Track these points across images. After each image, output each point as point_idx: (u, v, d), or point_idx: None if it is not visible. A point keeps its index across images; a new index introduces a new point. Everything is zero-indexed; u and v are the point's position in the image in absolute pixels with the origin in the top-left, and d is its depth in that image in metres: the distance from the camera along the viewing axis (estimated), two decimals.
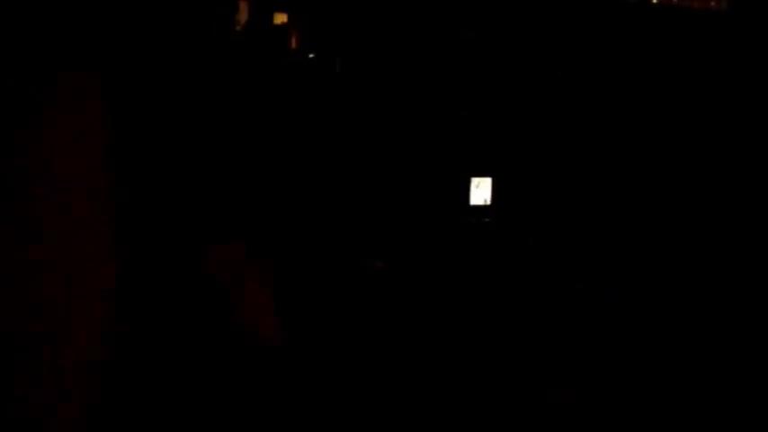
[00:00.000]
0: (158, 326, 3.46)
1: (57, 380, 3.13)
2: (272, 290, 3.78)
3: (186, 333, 3.41)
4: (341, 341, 4.00)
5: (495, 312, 4.60)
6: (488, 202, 5.78)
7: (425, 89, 5.87)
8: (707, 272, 5.22)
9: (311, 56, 5.87)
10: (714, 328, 4.81)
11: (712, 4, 5.99)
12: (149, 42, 4.41)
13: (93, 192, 3.65)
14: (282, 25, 5.95)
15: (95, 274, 3.39)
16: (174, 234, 4.06)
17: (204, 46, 4.91)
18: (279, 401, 3.50)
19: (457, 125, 5.79)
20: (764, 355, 4.45)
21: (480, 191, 5.80)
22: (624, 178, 5.77)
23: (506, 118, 5.97)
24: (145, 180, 4.08)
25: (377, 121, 5.66)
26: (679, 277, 5.25)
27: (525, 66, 5.98)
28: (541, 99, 6.00)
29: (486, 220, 5.65)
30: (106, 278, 3.41)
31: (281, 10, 6.06)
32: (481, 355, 4.25)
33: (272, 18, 5.99)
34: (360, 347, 4.03)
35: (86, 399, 3.17)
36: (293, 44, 5.90)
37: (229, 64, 5.19)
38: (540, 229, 5.54)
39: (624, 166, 5.78)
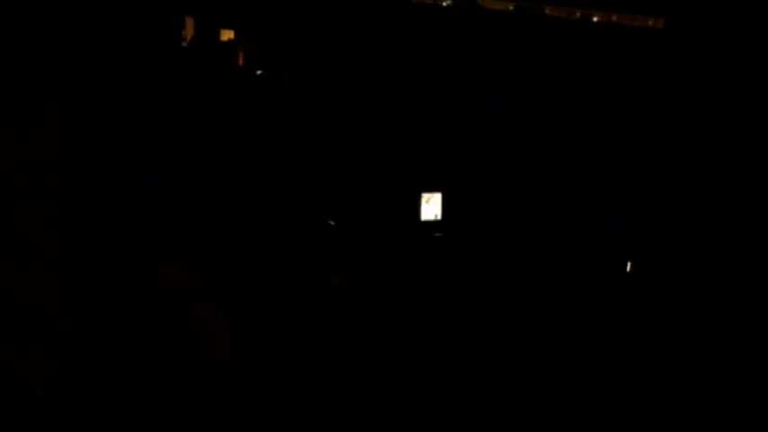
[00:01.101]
0: (107, 345, 3.37)
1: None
2: (227, 306, 3.71)
3: (136, 351, 3.34)
4: (297, 356, 3.96)
5: (448, 324, 4.61)
6: (439, 217, 5.81)
7: (374, 106, 5.89)
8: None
9: (259, 72, 5.83)
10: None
11: (650, 23, 6.22)
12: (93, 58, 4.31)
13: (38, 212, 3.54)
14: (229, 42, 5.91)
15: (41, 300, 3.30)
16: (121, 254, 3.96)
17: (149, 61, 4.83)
18: (228, 415, 3.44)
19: (406, 141, 5.82)
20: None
21: (431, 206, 5.83)
22: (566, 190, 5.89)
23: (454, 133, 6.03)
24: (89, 200, 3.97)
25: (326, 138, 5.65)
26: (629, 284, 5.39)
27: (473, 82, 6.07)
28: (489, 113, 6.09)
29: (438, 234, 5.68)
30: (50, 305, 3.32)
31: (227, 27, 6.03)
32: (435, 364, 4.25)
33: (218, 35, 5.95)
34: (316, 361, 3.99)
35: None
36: (240, 61, 5.87)
37: (175, 80, 5.12)
38: (491, 241, 5.60)
39: (566, 178, 5.91)
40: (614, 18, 6.16)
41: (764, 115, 5.56)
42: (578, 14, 6.20)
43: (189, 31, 5.76)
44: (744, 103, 5.65)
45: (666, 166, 5.70)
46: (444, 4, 6.24)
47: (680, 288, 5.04)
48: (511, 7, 6.24)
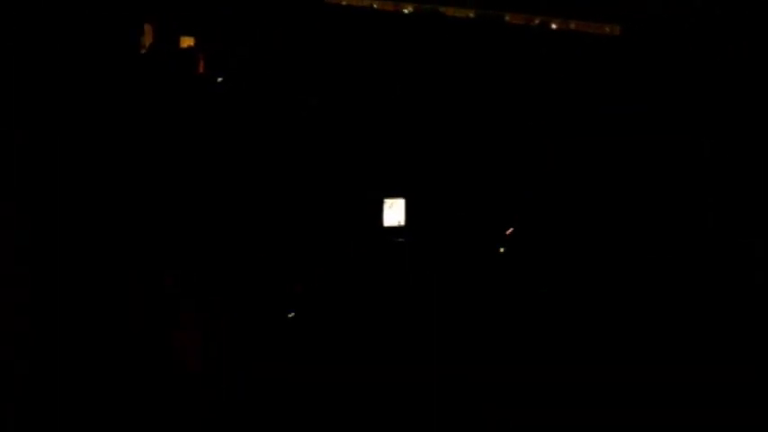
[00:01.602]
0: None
1: None
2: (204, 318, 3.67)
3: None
4: (266, 363, 3.92)
5: (412, 329, 4.61)
6: (402, 223, 5.81)
7: (336, 112, 5.89)
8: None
9: (219, 80, 5.80)
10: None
11: (607, 30, 6.30)
12: (50, 63, 4.26)
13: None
14: (189, 49, 5.88)
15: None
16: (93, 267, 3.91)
17: (107, 67, 4.78)
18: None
19: (368, 147, 5.83)
20: None
21: (393, 212, 5.83)
22: (531, 197, 5.95)
23: (417, 139, 6.05)
24: (53, 204, 3.92)
25: (288, 146, 5.63)
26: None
27: (432, 88, 6.10)
28: (453, 119, 6.12)
29: (401, 240, 5.68)
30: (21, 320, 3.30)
31: (187, 34, 5.99)
32: (399, 365, 4.25)
33: (178, 42, 5.91)
34: (283, 368, 3.96)
35: None
36: (201, 68, 5.83)
37: (134, 87, 5.06)
38: (455, 247, 5.62)
39: (529, 185, 5.97)
40: (572, 26, 6.24)
41: (719, 118, 5.68)
42: (537, 21, 6.27)
43: (148, 37, 5.71)
44: (699, 107, 5.76)
45: (622, 167, 5.79)
46: (405, 11, 6.27)
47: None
48: (471, 14, 6.30)
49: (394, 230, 5.77)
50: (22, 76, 4.12)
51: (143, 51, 5.63)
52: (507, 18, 6.26)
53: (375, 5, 6.18)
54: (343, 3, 6.20)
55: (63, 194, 4.03)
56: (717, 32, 5.81)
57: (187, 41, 5.88)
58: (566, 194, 5.84)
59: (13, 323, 3.36)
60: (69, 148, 4.12)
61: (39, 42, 4.29)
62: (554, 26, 6.29)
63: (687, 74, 5.78)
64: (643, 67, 5.90)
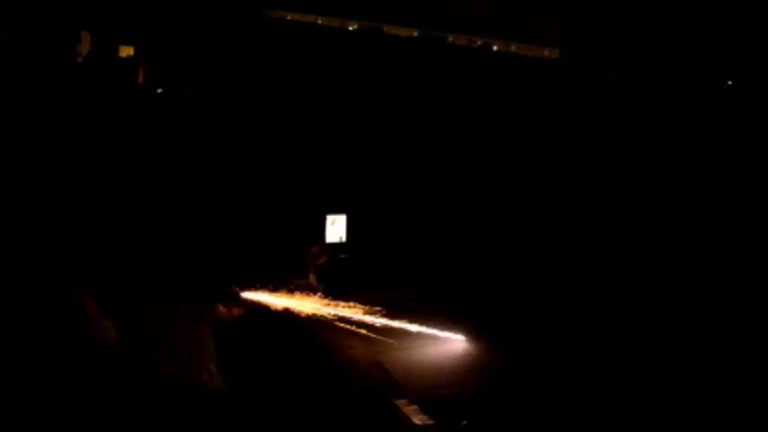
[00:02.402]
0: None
1: None
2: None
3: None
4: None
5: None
6: (344, 239, 5.80)
7: (278, 127, 5.85)
8: None
9: (160, 90, 5.68)
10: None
11: (546, 53, 6.51)
12: None
13: None
14: (129, 58, 5.73)
15: None
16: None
17: (43, 76, 4.63)
18: None
19: (309, 162, 5.80)
20: None
21: (336, 228, 5.82)
22: (473, 208, 6.04)
23: (360, 156, 6.07)
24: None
25: (229, 159, 5.55)
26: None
27: (378, 105, 6.14)
28: (392, 136, 6.18)
29: (343, 255, 5.66)
30: None
31: (126, 43, 5.84)
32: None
33: (116, 51, 5.76)
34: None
35: None
36: (140, 78, 5.69)
37: (68, 96, 4.91)
38: (395, 262, 5.63)
39: (474, 197, 6.06)
40: (513, 48, 6.41)
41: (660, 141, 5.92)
42: (479, 43, 6.42)
43: (85, 46, 5.55)
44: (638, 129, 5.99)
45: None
46: (350, 28, 6.31)
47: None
48: (415, 33, 6.39)
49: (336, 246, 5.75)
50: None
51: (79, 60, 5.46)
52: (450, 39, 6.39)
53: (319, 21, 6.20)
54: (288, 17, 6.19)
55: None
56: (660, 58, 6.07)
57: (127, 50, 5.75)
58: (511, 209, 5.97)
59: None
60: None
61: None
62: (495, 48, 6.46)
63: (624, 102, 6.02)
64: (581, 91, 6.10)
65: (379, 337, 4.20)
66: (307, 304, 4.17)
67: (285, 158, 5.71)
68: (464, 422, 3.65)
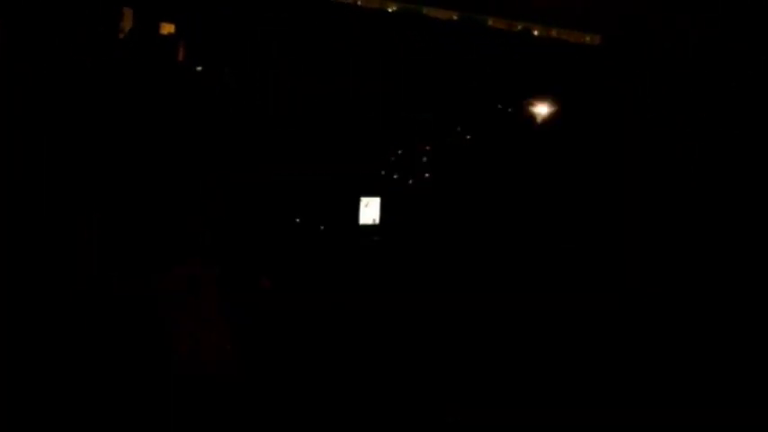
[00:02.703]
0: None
1: None
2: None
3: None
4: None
5: (391, 329, 4.62)
6: (377, 222, 5.82)
7: (315, 106, 5.85)
8: None
9: (199, 68, 5.71)
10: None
11: (587, 39, 6.40)
12: (30, 48, 4.16)
13: None
14: (169, 36, 5.77)
15: None
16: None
17: (86, 53, 4.68)
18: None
19: (346, 142, 5.81)
20: None
21: (369, 210, 5.84)
22: (496, 195, 6.02)
23: (393, 138, 6.06)
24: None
25: (266, 138, 5.58)
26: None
27: (411, 88, 6.11)
28: (424, 120, 6.15)
29: (376, 238, 5.69)
30: None
31: (167, 20, 5.87)
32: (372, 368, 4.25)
33: (158, 28, 5.79)
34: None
35: None
36: (181, 56, 5.73)
37: (113, 73, 4.97)
38: (429, 245, 5.64)
39: (495, 184, 6.05)
40: (553, 33, 6.32)
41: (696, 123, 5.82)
42: (519, 27, 6.33)
43: (127, 23, 5.59)
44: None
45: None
46: (390, 10, 6.26)
47: None
48: (455, 17, 6.32)
49: (369, 229, 5.78)
50: None
51: (122, 36, 5.51)
52: (490, 22, 6.31)
53: (359, 2, 6.15)
54: None
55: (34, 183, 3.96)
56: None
57: (168, 28, 5.78)
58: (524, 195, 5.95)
59: None
60: (46, 134, 4.04)
61: (15, 26, 4.20)
62: (536, 33, 6.37)
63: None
64: (620, 75, 6.01)
65: None
66: None
67: (321, 140, 5.72)
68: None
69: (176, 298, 3.53)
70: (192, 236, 4.23)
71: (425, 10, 6.25)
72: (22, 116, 4.11)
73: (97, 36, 5.04)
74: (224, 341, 3.48)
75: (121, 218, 4.52)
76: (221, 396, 3.39)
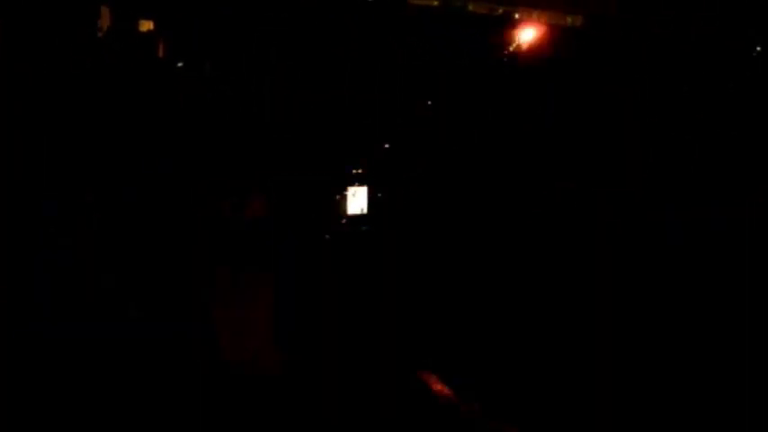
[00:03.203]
0: None
1: None
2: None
3: None
4: None
5: (375, 315, 4.62)
6: (365, 211, 5.81)
7: (295, 98, 5.82)
8: None
9: (180, 64, 5.68)
10: None
11: (569, 21, 6.39)
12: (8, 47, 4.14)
13: None
14: (149, 32, 5.73)
15: None
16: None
17: (64, 51, 4.65)
18: None
19: (332, 133, 5.79)
20: None
21: (357, 200, 5.83)
22: (487, 182, 6.01)
23: (381, 128, 6.04)
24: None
25: (249, 131, 5.56)
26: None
27: (404, 76, 6.09)
28: (415, 109, 6.13)
29: (364, 228, 5.68)
30: None
31: (146, 17, 5.83)
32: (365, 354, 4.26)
33: (136, 25, 5.75)
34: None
35: None
36: (161, 52, 5.69)
37: (91, 71, 4.93)
38: (417, 235, 5.64)
39: (488, 172, 6.03)
40: (534, 16, 6.30)
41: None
42: (500, 11, 6.31)
43: (105, 20, 5.55)
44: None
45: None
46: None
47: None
48: (435, 2, 6.30)
49: (357, 218, 5.77)
50: None
51: (100, 35, 5.47)
52: (471, 7, 6.28)
53: None
54: None
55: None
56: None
57: (147, 25, 5.74)
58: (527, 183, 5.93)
59: None
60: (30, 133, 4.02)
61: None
62: (516, 16, 6.34)
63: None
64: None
65: None
66: None
67: (305, 131, 5.70)
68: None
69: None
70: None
71: None
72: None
73: (77, 35, 5.02)
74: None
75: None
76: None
